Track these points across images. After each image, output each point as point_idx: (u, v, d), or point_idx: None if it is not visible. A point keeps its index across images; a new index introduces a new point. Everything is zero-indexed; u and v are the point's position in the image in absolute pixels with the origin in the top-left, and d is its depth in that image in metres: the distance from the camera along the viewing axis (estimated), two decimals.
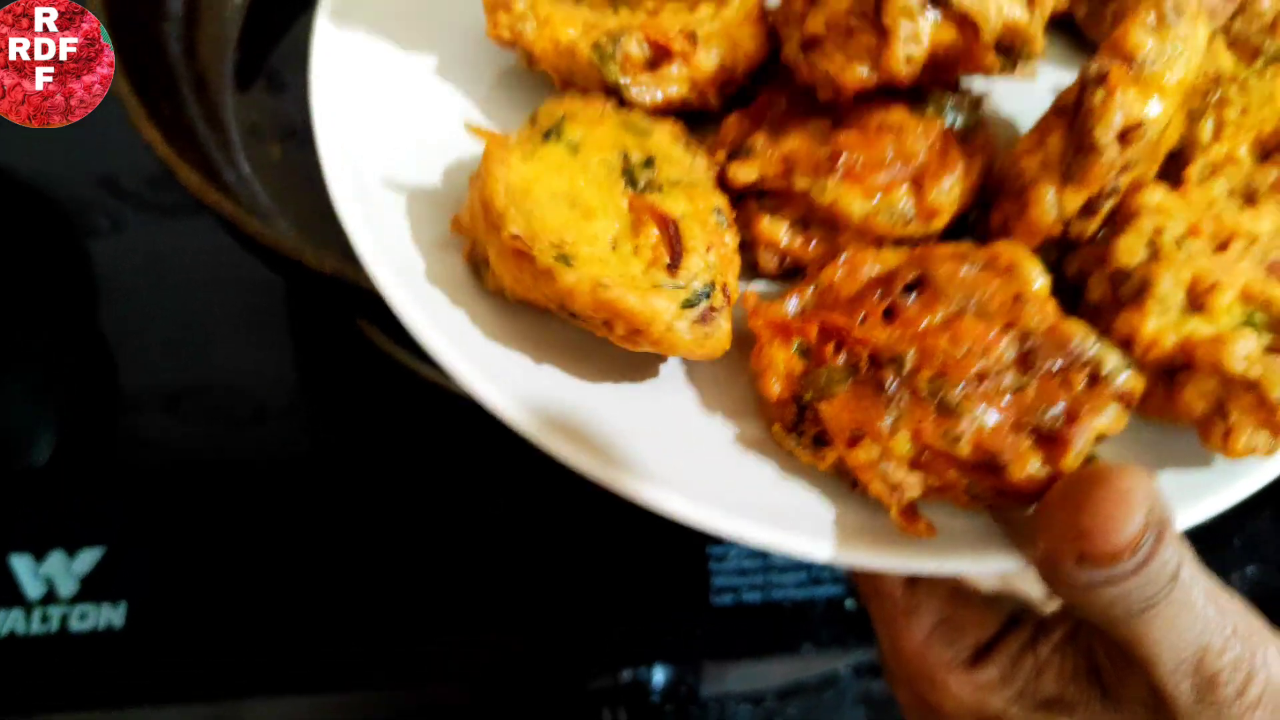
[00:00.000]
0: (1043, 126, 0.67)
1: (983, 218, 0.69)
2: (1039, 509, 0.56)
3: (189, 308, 1.16)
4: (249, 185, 1.11)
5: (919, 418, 0.58)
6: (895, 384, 0.59)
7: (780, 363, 0.62)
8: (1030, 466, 0.57)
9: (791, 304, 0.65)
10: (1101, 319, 0.63)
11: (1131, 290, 0.62)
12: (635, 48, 0.73)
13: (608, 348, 0.64)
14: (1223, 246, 0.63)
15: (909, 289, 0.63)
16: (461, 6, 0.80)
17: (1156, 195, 0.65)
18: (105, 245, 1.22)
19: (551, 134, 0.69)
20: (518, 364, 0.66)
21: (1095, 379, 0.59)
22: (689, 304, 0.61)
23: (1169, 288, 0.61)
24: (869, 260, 0.66)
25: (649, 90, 0.74)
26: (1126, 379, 0.60)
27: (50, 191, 1.24)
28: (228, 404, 1.13)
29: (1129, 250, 0.63)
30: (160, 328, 1.16)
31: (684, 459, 0.63)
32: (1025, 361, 0.60)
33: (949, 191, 0.67)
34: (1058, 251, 0.68)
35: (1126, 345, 0.60)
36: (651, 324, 0.60)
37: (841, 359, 0.62)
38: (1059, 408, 0.58)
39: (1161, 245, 0.63)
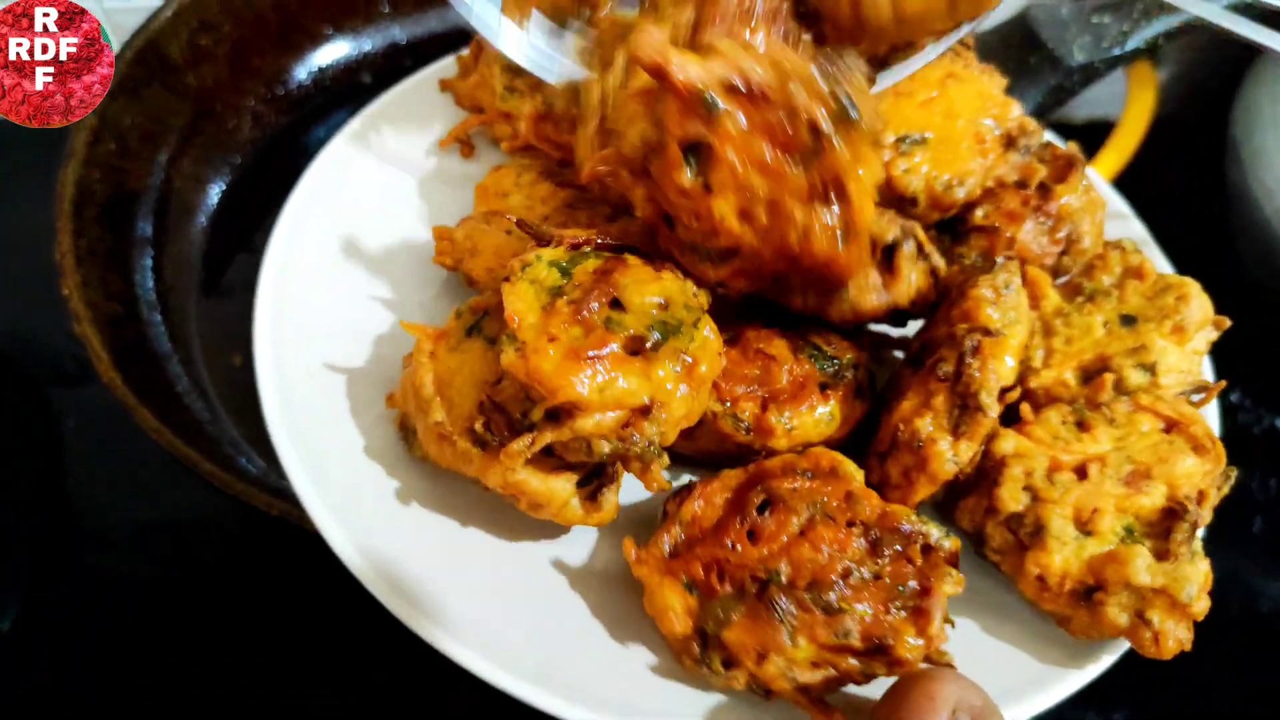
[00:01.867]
0: (922, 390, 0.78)
1: (883, 472, 0.78)
2: (879, 703, 0.66)
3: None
4: (209, 400, 1.12)
5: (811, 624, 0.67)
6: (784, 600, 0.67)
7: (676, 602, 0.70)
8: (909, 641, 0.68)
9: (665, 544, 0.73)
10: (1008, 561, 0.75)
11: (1029, 533, 0.73)
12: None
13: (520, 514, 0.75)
14: (1082, 473, 0.74)
15: (761, 509, 0.72)
16: (411, 224, 0.97)
17: (1011, 442, 0.76)
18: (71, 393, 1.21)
19: (474, 330, 0.78)
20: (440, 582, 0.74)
21: (928, 549, 0.71)
22: (582, 484, 0.74)
23: (1060, 524, 0.72)
24: (717, 490, 0.74)
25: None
26: (949, 542, 0.72)
27: (16, 344, 1.23)
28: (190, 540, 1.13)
29: (1013, 498, 0.74)
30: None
31: (610, 682, 0.72)
32: (874, 550, 0.70)
33: (787, 420, 0.78)
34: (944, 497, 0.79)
35: (1042, 582, 0.72)
36: (549, 503, 0.72)
37: (728, 586, 0.70)
38: (912, 583, 0.69)
39: (1037, 487, 0.74)
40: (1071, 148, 0.95)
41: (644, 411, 0.68)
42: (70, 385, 1.21)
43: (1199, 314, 0.81)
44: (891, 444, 0.77)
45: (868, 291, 0.80)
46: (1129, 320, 0.82)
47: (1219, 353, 0.87)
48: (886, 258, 0.81)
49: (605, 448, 0.69)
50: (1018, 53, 1.13)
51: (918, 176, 0.86)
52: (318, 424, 0.81)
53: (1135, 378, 0.79)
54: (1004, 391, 0.77)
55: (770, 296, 0.82)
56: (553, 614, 0.75)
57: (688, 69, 0.65)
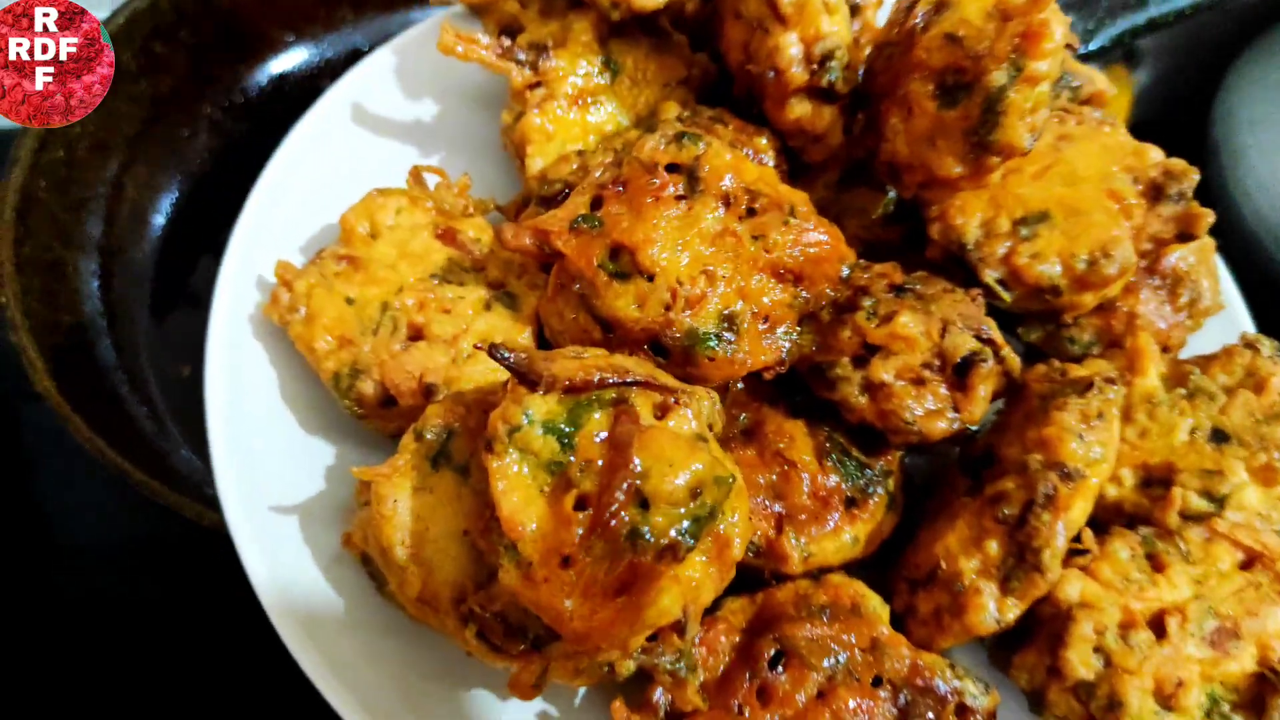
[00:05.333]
0: (975, 524, 0.68)
1: (912, 602, 0.69)
2: None
3: None
4: (156, 411, 1.09)
5: None
6: None
7: None
8: None
9: (661, 705, 0.64)
10: None
11: (1103, 707, 0.63)
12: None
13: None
14: (1160, 629, 0.64)
15: (774, 663, 0.64)
16: None
17: (1077, 588, 0.66)
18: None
19: (440, 459, 0.66)
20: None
21: (963, 709, 0.64)
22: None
23: (1140, 699, 0.63)
24: (721, 631, 0.66)
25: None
26: (986, 699, 0.66)
27: None
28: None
29: (1083, 662, 0.64)
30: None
31: None
32: (904, 715, 0.63)
33: (804, 545, 0.69)
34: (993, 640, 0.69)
35: None
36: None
37: None
38: None
39: (1110, 650, 0.64)
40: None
41: (676, 627, 0.58)
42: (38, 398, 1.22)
43: None
44: (928, 577, 0.68)
45: (935, 418, 0.69)
46: (1220, 437, 0.72)
47: None
48: (959, 373, 0.70)
49: (630, 667, 0.61)
50: None
51: (1050, 262, 0.74)
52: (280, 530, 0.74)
53: (1196, 503, 0.69)
54: (1072, 552, 0.67)
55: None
56: None
57: None
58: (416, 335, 0.75)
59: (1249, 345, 0.75)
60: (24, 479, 1.16)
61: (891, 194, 0.80)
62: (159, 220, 1.25)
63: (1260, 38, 1.29)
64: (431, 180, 0.84)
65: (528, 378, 0.59)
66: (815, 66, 0.75)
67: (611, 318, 0.66)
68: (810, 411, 0.73)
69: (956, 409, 0.69)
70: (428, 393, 0.71)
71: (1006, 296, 0.73)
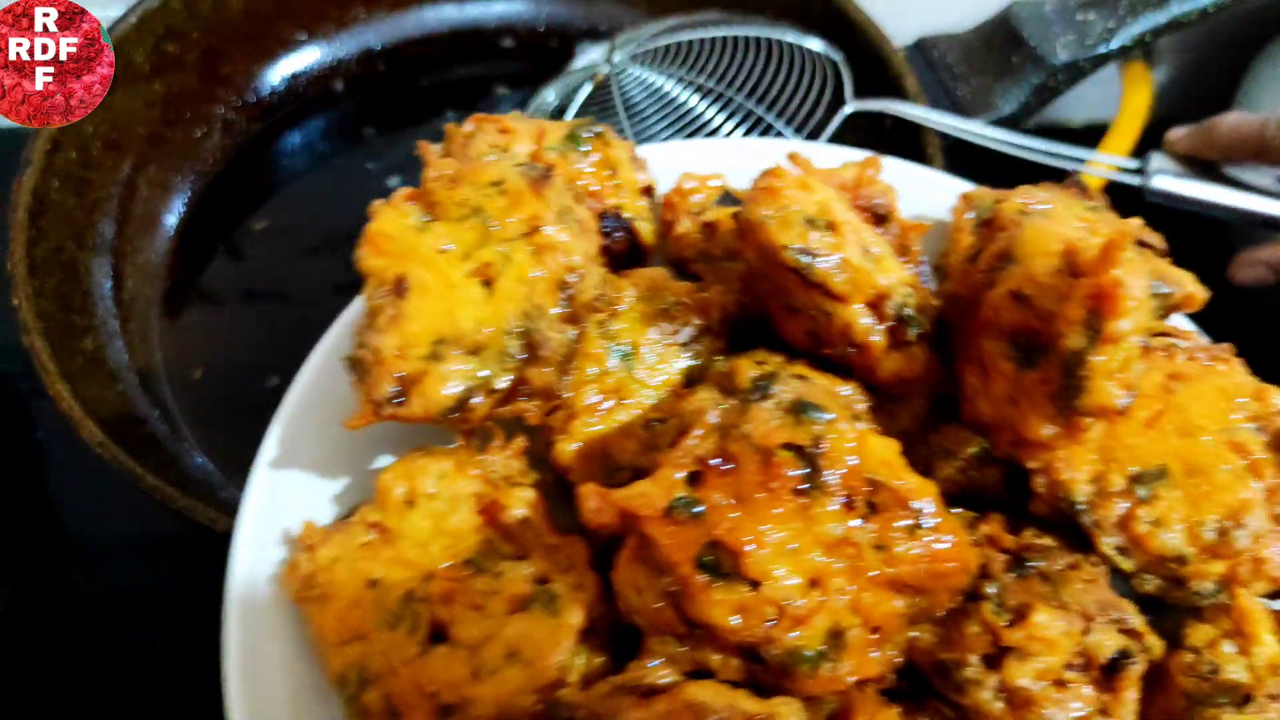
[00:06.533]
0: None
1: None
2: None
3: None
4: (169, 413, 1.08)
5: None
6: None
7: None
8: None
9: None
10: None
11: None
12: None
13: None
14: None
15: None
16: None
17: None
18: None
19: None
20: None
21: None
22: None
23: None
24: None
25: None
26: None
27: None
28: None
29: None
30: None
31: None
32: None
33: None
34: None
35: None
36: None
37: None
38: None
39: None
40: None
41: None
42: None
43: None
44: None
45: None
46: None
47: None
48: (1106, 676, 0.61)
49: None
50: (1000, 51, 1.08)
51: (1174, 530, 0.63)
52: None
53: None
54: None
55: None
56: None
57: None
58: (439, 632, 0.64)
59: None
60: (36, 475, 1.13)
61: None
62: (172, 220, 1.20)
63: None
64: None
65: None
66: (893, 323, 0.66)
67: (704, 623, 0.56)
68: (905, 696, 0.62)
69: (1105, 713, 0.60)
70: (442, 714, 0.61)
71: (1127, 565, 0.64)
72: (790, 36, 1.10)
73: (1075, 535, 0.65)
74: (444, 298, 0.64)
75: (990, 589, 0.61)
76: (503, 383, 0.63)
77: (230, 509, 0.87)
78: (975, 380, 0.65)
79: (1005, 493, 0.68)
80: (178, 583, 1.07)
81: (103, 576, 1.10)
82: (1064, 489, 0.64)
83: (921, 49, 1.16)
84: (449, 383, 0.62)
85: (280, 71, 1.31)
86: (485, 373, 0.63)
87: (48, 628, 1.06)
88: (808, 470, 0.56)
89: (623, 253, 0.77)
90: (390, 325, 0.63)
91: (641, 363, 0.72)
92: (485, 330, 0.63)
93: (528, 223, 0.65)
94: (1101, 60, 1.05)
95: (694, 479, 0.57)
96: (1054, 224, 0.63)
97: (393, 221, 0.66)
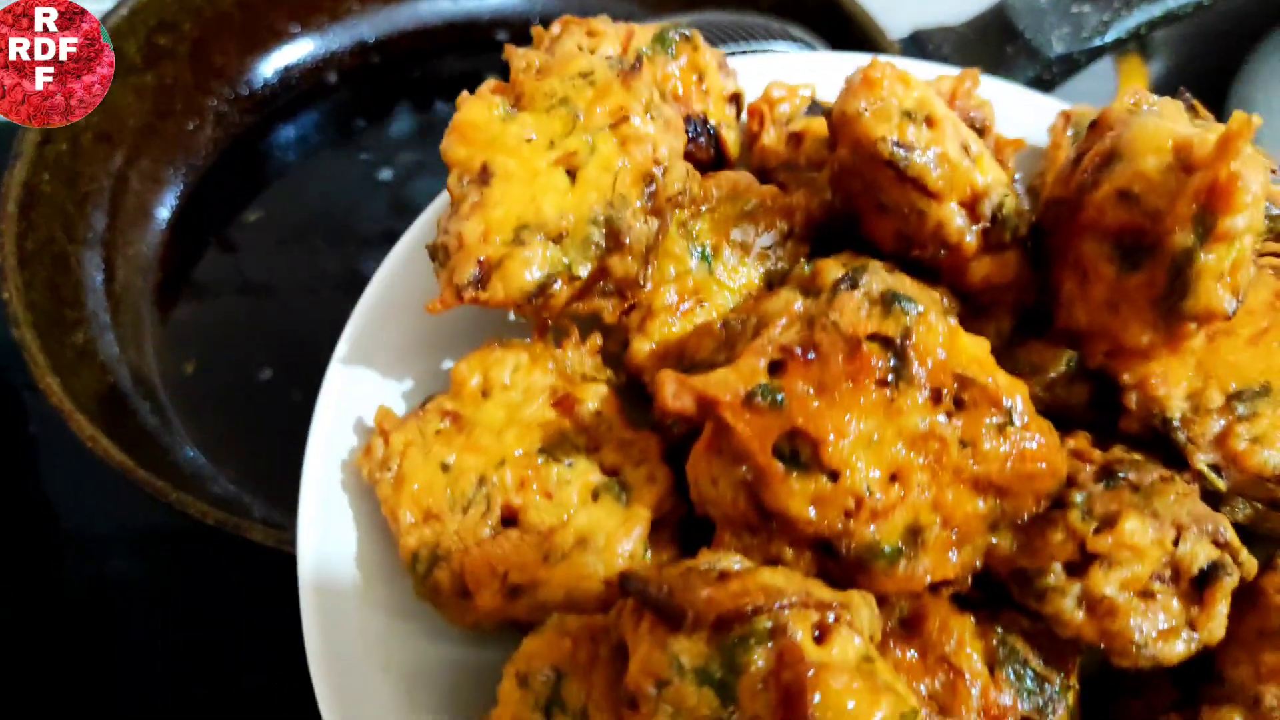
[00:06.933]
0: None
1: None
2: None
3: None
4: (160, 406, 1.08)
5: None
6: None
7: None
8: None
9: None
10: None
11: None
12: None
13: None
14: None
15: None
16: None
17: None
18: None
19: (553, 708, 0.54)
20: None
21: None
22: None
23: None
24: None
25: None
26: None
27: None
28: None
29: None
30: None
31: None
32: None
33: None
34: None
35: None
36: None
37: None
38: None
39: None
40: None
41: None
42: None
43: None
44: None
45: (1171, 638, 0.57)
46: None
47: None
48: (1197, 586, 0.58)
49: None
50: (995, 44, 1.08)
51: (1276, 448, 0.61)
52: None
53: None
54: None
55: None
56: None
57: None
58: (510, 518, 0.64)
59: None
60: (28, 468, 1.12)
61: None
62: (163, 213, 1.20)
63: (1277, 28, 1.27)
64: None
65: (669, 613, 0.48)
66: (988, 225, 0.64)
67: (780, 514, 0.55)
68: (978, 604, 0.61)
69: (1193, 626, 0.57)
70: (511, 594, 0.61)
71: (1221, 484, 0.62)
72: (781, 47, 1.09)
73: (1167, 455, 0.62)
74: (528, 185, 0.64)
75: (1077, 497, 0.59)
76: (584, 270, 0.63)
77: (222, 502, 0.87)
78: (1073, 286, 0.63)
79: (1092, 412, 0.66)
80: (173, 578, 1.07)
81: (98, 571, 1.08)
82: (1159, 404, 0.62)
83: (917, 41, 1.16)
84: (531, 267, 0.62)
85: (273, 64, 1.31)
86: (567, 259, 0.63)
87: (42, 622, 1.05)
88: (895, 362, 0.55)
89: (706, 161, 0.76)
90: (474, 212, 0.63)
91: (722, 264, 0.71)
92: (568, 218, 0.63)
93: (614, 114, 0.65)
94: (1096, 53, 1.05)
95: (775, 368, 0.56)
96: (1165, 121, 0.61)
97: (479, 111, 0.66)
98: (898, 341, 0.55)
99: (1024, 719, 0.59)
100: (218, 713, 1.01)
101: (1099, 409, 0.65)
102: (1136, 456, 0.62)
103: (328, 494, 0.68)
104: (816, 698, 0.45)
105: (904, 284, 0.58)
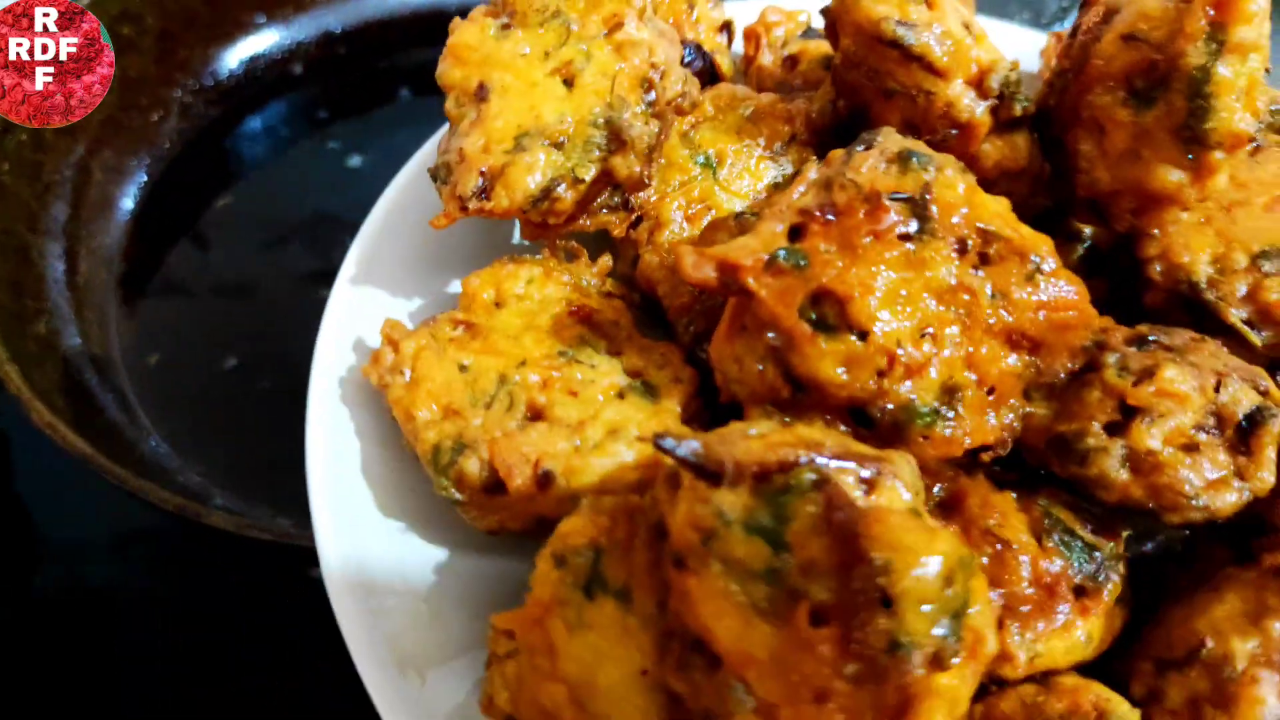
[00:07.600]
0: (1254, 600, 0.56)
1: (1159, 686, 0.57)
2: None
3: None
4: (125, 399, 1.08)
5: None
6: None
7: None
8: None
9: None
10: None
11: None
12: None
13: None
14: None
15: None
16: None
17: None
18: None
19: (594, 585, 0.51)
20: None
21: None
22: None
23: None
24: None
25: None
26: None
27: None
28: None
29: None
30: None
31: None
32: None
33: (1029, 644, 0.55)
34: None
35: None
36: None
37: None
38: None
39: None
40: None
41: None
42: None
43: None
44: (1187, 657, 0.56)
45: (1222, 489, 0.55)
46: None
47: None
48: (1241, 434, 0.56)
49: None
50: None
51: None
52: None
53: None
54: None
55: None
56: None
57: None
58: (536, 416, 0.61)
59: None
60: (2, 472, 1.11)
61: (1086, 242, 0.69)
62: (127, 205, 1.19)
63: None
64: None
65: (707, 469, 0.45)
66: (996, 101, 0.64)
67: (810, 379, 0.53)
68: (1018, 482, 0.59)
69: (1241, 476, 0.56)
70: (543, 481, 0.58)
71: (1257, 339, 0.61)
72: None
73: (1191, 325, 0.62)
74: (526, 96, 0.64)
75: (1111, 358, 0.57)
76: (588, 174, 0.63)
77: (187, 492, 0.86)
78: (1090, 146, 0.62)
79: (1112, 299, 0.65)
80: (173, 578, 1.07)
81: (70, 572, 1.08)
82: (1185, 270, 0.62)
83: None
84: (533, 172, 0.62)
85: (238, 54, 1.30)
86: (570, 163, 0.62)
87: (42, 622, 1.04)
88: (915, 215, 0.54)
89: (702, 86, 0.76)
90: (473, 128, 0.63)
91: (727, 170, 0.70)
92: (568, 121, 0.63)
93: (609, 21, 0.65)
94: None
95: (796, 234, 0.54)
96: None
97: (472, 33, 0.66)
98: (918, 197, 0.54)
99: (1077, 588, 0.57)
100: (218, 713, 0.99)
101: (1117, 297, 0.65)
102: (1171, 328, 0.62)
103: (335, 412, 0.67)
104: (872, 535, 0.42)
105: (919, 145, 0.58)
